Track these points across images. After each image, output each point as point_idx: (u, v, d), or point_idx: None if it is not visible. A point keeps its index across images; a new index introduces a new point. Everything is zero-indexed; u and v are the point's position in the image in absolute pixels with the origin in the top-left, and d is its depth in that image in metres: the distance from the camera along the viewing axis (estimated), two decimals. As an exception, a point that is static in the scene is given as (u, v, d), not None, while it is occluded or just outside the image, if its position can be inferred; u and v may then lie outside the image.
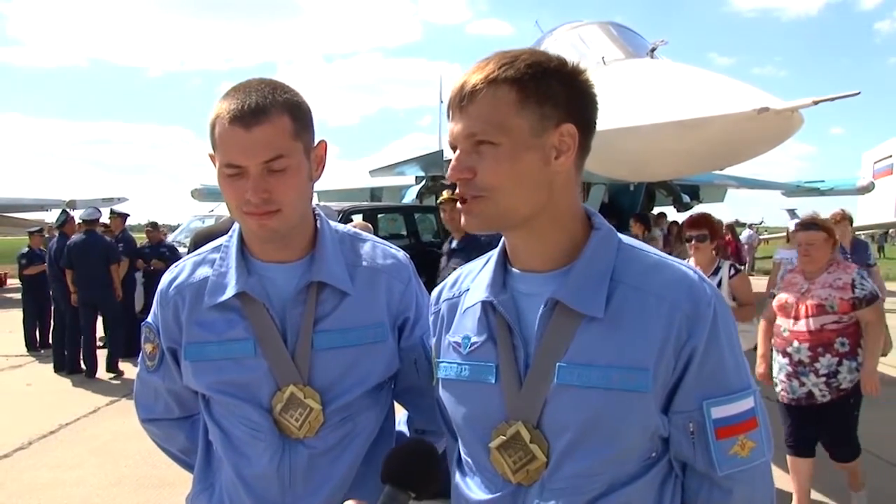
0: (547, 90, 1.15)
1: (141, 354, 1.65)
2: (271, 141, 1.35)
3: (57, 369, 8.97)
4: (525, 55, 1.17)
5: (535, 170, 1.16)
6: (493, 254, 1.32)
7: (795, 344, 4.10)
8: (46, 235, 12.71)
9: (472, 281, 1.34)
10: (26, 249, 11.20)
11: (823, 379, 4.03)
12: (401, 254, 1.61)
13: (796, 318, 4.12)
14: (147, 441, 1.78)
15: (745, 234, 26.63)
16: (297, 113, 1.41)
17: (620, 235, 1.26)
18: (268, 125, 1.35)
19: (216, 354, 1.47)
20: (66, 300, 9.08)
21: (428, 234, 11.83)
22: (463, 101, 1.17)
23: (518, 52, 1.18)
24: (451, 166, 1.19)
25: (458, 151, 1.19)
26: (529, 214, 1.19)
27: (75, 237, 8.95)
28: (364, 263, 1.54)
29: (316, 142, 1.47)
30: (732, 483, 1.19)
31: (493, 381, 1.23)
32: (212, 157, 1.43)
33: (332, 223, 1.58)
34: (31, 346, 10.60)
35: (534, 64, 1.16)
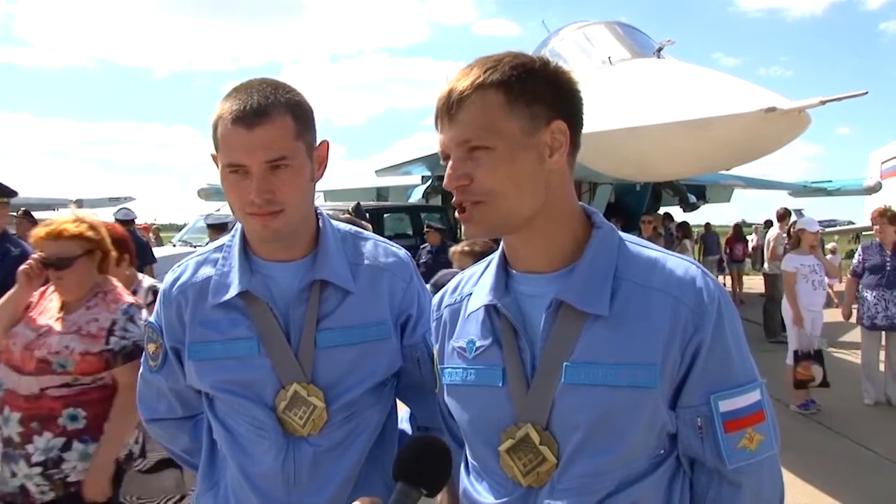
0: (534, 90, 1.16)
1: (143, 354, 1.65)
2: (274, 141, 1.35)
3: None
4: (508, 58, 1.18)
5: (532, 170, 1.16)
6: (494, 257, 1.31)
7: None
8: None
9: (473, 285, 1.33)
10: None
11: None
12: (402, 252, 1.61)
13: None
14: (156, 440, 1.78)
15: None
16: (299, 113, 1.41)
17: (621, 233, 1.26)
18: (270, 125, 1.35)
19: (220, 353, 1.47)
20: None
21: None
22: (451, 109, 1.17)
23: (501, 56, 1.18)
24: (447, 175, 1.19)
25: (451, 159, 1.19)
26: (529, 216, 1.18)
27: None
28: (366, 262, 1.54)
29: (318, 142, 1.47)
30: (741, 477, 1.19)
31: (500, 384, 1.22)
32: (214, 157, 1.43)
33: (334, 222, 1.58)
34: None
35: (518, 66, 1.16)
